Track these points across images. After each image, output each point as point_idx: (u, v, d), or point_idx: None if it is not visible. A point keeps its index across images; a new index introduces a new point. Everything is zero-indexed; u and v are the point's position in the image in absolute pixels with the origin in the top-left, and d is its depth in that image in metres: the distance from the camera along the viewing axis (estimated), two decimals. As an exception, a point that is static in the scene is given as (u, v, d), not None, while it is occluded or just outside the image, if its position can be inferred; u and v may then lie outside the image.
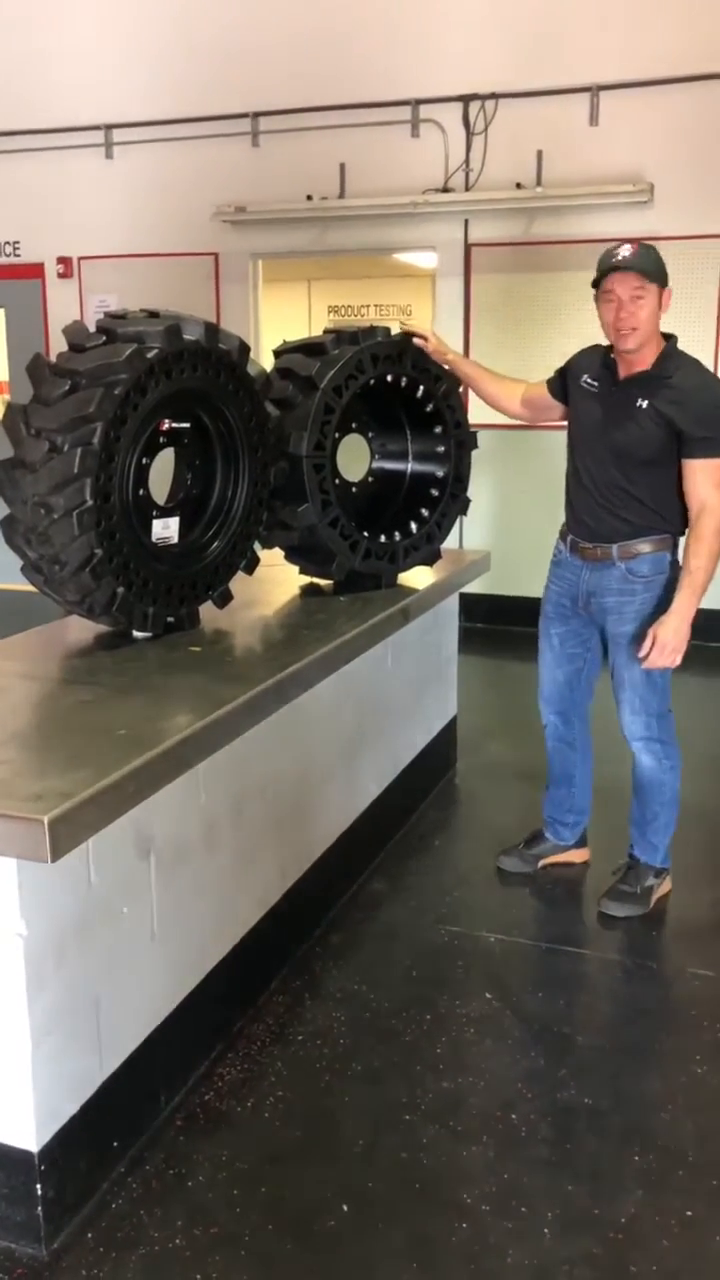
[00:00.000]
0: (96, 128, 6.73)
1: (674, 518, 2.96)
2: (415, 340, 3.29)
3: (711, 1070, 2.49)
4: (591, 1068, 2.51)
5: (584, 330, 3.51)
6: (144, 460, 2.70)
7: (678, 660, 2.89)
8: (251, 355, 2.90)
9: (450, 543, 3.86)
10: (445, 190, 6.06)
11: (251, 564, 3.06)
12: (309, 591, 3.39)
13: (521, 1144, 2.26)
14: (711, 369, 3.25)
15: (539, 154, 5.90)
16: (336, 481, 3.42)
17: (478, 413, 3.88)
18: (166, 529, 2.84)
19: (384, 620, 3.14)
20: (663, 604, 2.98)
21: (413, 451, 3.56)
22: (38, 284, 7.24)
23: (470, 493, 3.61)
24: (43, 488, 2.50)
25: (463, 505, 3.61)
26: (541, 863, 3.43)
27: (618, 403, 2.96)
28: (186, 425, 2.81)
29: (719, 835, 3.71)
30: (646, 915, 3.15)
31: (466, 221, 6.13)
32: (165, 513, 2.83)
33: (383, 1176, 2.17)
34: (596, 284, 2.90)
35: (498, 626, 6.10)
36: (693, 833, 3.65)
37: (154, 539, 2.80)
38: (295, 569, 3.43)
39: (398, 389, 3.40)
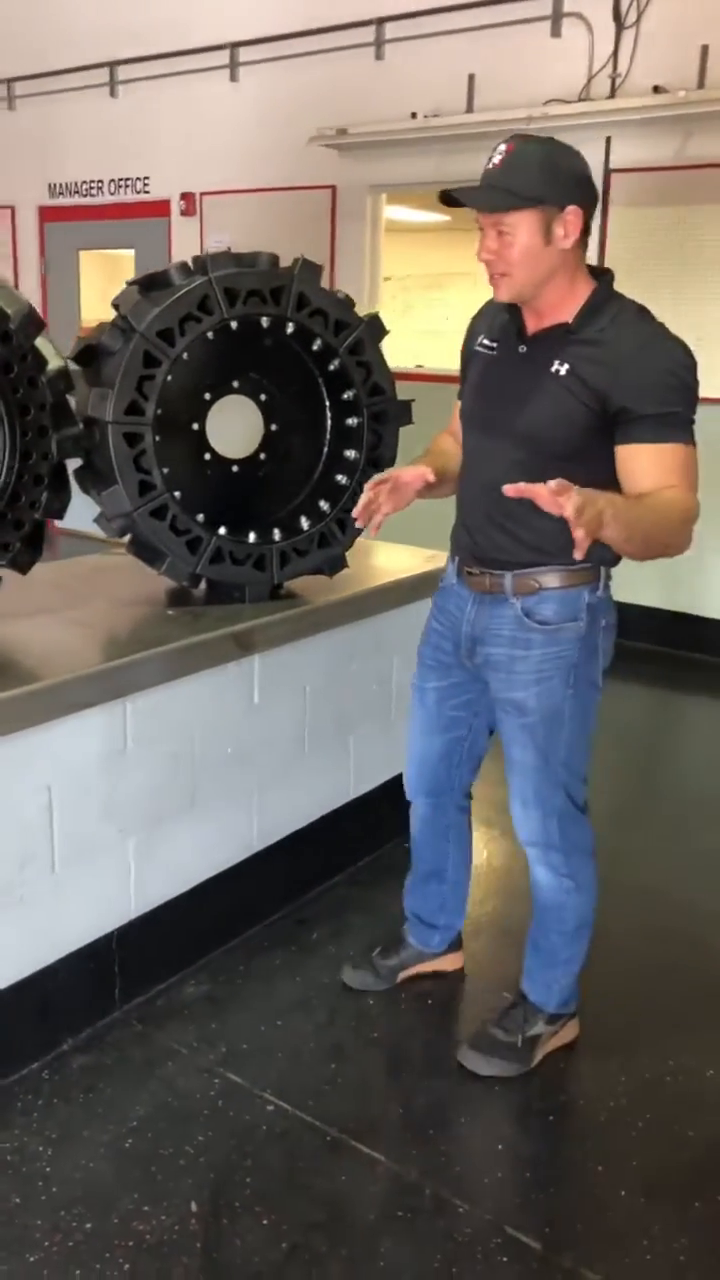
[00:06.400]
0: (221, 47, 6.09)
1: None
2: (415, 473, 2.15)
3: None
4: None
5: None
6: None
7: (579, 535, 1.69)
8: (9, 286, 2.16)
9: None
10: (581, 100, 4.91)
11: (22, 561, 2.34)
12: (157, 599, 2.62)
13: None
14: None
15: (703, 50, 4.62)
16: (208, 456, 2.65)
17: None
18: None
19: (191, 649, 2.34)
20: (573, 666, 2.06)
21: (325, 423, 2.69)
22: (164, 222, 6.76)
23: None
24: None
25: (383, 499, 2.69)
26: (402, 975, 2.56)
27: (522, 369, 2.04)
28: None
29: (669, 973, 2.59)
30: (520, 1092, 2.18)
31: (609, 140, 4.94)
32: None
33: None
34: (447, 201, 1.97)
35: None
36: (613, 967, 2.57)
37: None
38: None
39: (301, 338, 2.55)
